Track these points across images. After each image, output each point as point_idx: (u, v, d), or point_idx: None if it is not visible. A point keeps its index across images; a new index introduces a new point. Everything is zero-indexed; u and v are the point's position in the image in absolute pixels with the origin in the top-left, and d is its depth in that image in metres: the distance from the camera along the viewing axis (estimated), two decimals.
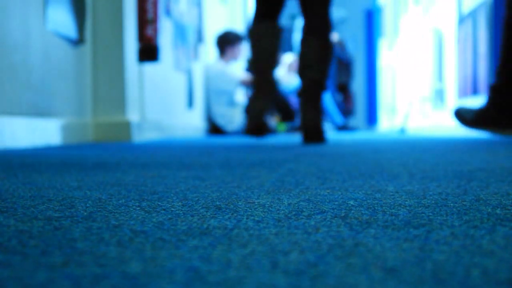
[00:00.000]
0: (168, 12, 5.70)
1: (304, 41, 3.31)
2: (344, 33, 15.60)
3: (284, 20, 15.03)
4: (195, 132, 6.94)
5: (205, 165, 1.68)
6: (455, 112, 3.95)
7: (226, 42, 7.39)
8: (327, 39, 3.31)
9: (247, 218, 0.76)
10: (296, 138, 5.12)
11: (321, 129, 3.31)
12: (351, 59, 10.88)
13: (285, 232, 0.67)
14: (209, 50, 7.99)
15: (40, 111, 3.40)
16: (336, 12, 14.34)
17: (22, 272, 0.50)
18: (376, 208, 0.84)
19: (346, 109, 9.29)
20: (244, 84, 7.39)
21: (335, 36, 10.33)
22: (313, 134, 3.30)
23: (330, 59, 3.33)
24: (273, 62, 3.39)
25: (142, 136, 4.53)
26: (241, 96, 7.64)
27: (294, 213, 0.80)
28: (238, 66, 8.25)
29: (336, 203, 0.89)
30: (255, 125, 3.38)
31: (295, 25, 10.36)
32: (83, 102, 4.07)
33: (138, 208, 0.86)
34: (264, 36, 3.37)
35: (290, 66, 8.82)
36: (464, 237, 0.64)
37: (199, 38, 7.30)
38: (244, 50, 7.56)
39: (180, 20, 6.22)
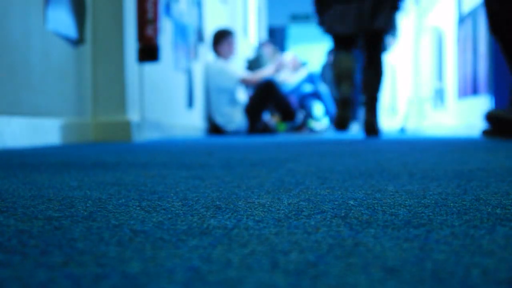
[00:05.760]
0: (168, 12, 5.70)
1: (365, 71, 4.76)
2: None
3: (283, 20, 15.03)
4: (195, 132, 6.94)
5: (205, 165, 1.67)
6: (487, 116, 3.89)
7: (216, 41, 7.38)
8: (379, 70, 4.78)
9: (247, 218, 0.76)
10: (296, 137, 5.12)
11: (377, 126, 4.67)
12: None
13: (285, 232, 0.67)
14: (209, 49, 7.99)
15: (40, 111, 3.40)
16: None
17: (22, 272, 0.50)
18: (376, 208, 0.84)
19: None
20: (244, 83, 7.37)
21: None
22: (371, 130, 4.65)
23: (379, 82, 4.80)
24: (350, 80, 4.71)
25: (142, 136, 4.53)
26: (242, 95, 7.60)
27: (294, 213, 0.80)
28: (239, 65, 8.23)
29: (336, 203, 0.89)
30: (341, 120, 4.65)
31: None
32: (83, 102, 4.07)
33: (138, 208, 0.86)
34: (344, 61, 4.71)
35: (288, 64, 8.77)
36: (464, 237, 0.64)
37: (199, 38, 7.29)
38: (238, 44, 7.52)
39: (180, 20, 6.22)
